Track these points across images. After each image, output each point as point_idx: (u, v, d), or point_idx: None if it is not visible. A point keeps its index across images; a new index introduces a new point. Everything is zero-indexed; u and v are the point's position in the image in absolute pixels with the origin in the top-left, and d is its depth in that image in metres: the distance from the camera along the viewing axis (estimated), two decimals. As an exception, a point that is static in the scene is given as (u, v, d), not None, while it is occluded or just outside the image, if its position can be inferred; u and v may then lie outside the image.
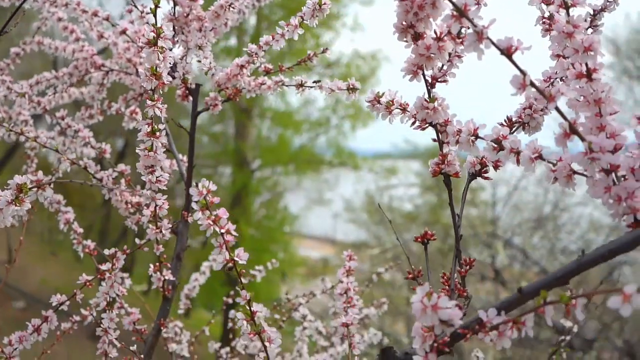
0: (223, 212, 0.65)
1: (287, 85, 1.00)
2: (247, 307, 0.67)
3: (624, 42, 9.23)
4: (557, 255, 6.15)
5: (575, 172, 0.56)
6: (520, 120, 0.70)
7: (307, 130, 12.58)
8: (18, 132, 0.99)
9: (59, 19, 1.21)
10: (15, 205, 0.69)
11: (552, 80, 0.70)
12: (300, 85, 0.98)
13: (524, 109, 0.70)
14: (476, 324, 0.54)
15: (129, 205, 1.05)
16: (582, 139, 0.53)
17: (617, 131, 0.54)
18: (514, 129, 0.71)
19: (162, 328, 1.01)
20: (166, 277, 0.99)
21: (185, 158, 1.14)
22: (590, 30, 0.74)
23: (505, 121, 0.71)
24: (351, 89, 0.87)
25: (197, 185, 0.63)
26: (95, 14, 1.11)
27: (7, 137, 1.32)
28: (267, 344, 0.66)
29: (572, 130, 0.53)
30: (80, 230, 1.13)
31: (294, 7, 10.47)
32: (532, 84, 0.52)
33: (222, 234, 0.64)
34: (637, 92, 9.23)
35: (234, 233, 0.65)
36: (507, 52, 0.52)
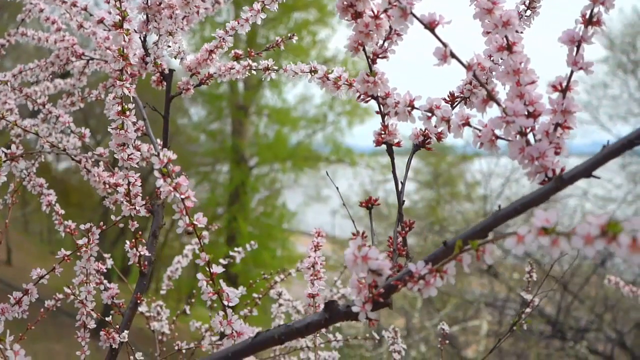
0: (183, 180, 0.70)
1: (254, 69, 1.05)
2: (207, 269, 0.72)
3: (618, 36, 9.27)
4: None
5: (497, 137, 0.61)
6: (461, 95, 0.76)
7: (304, 127, 12.64)
8: (-1, 116, 1.05)
9: (41, 10, 1.26)
10: (-8, 178, 0.74)
11: (492, 57, 0.75)
12: (267, 68, 1.04)
13: (465, 84, 0.75)
14: (407, 275, 0.59)
15: (107, 186, 1.10)
16: (499, 105, 0.58)
17: (534, 99, 0.60)
18: (456, 103, 0.76)
19: (138, 302, 1.07)
20: (142, 253, 1.04)
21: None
22: (529, 12, 0.79)
23: (448, 96, 0.76)
24: (313, 72, 0.92)
25: (158, 155, 0.68)
26: (74, 4, 1.16)
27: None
28: (225, 302, 0.72)
29: (489, 97, 0.58)
30: (62, 211, 1.18)
31: (288, 5, 10.53)
32: (452, 55, 0.57)
33: (182, 199, 0.70)
34: (632, 86, 9.28)
35: (194, 199, 0.70)
36: (430, 26, 0.57)
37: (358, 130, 12.40)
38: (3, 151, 0.73)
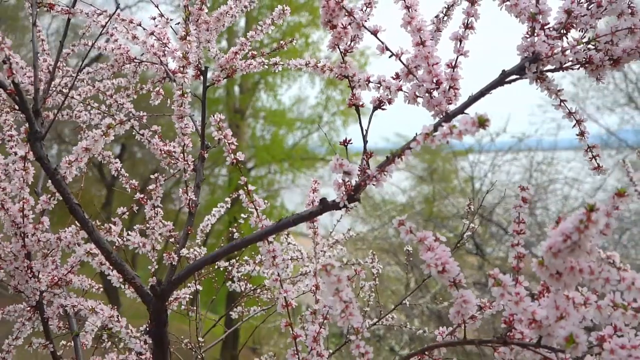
0: (229, 131, 1.13)
1: (267, 65, 1.48)
2: (245, 187, 1.15)
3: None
4: (534, 229, 6.66)
5: (417, 96, 1.04)
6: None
7: (300, 128, 13.06)
8: (79, 99, 1.46)
9: (102, 26, 1.69)
10: (105, 137, 1.16)
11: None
12: (276, 64, 1.47)
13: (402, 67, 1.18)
14: (367, 177, 1.02)
15: (162, 152, 1.52)
16: (414, 76, 1.01)
17: (438, 73, 1.02)
18: (399, 79, 1.18)
19: (189, 232, 1.49)
20: (191, 197, 1.47)
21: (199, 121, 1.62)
22: (445, 17, 1.22)
23: (394, 75, 1.19)
24: (307, 64, 1.35)
25: (213, 115, 1.11)
26: (131, 21, 1.59)
27: (61, 115, 1.79)
28: (257, 207, 1.14)
29: (409, 72, 1.01)
30: (127, 175, 1.60)
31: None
32: (387, 48, 1.00)
33: (229, 143, 1.12)
34: (617, 77, 9.71)
35: (235, 143, 1.13)
36: (374, 32, 1.00)
37: (353, 130, 12.80)
38: (114, 118, 1.15)
